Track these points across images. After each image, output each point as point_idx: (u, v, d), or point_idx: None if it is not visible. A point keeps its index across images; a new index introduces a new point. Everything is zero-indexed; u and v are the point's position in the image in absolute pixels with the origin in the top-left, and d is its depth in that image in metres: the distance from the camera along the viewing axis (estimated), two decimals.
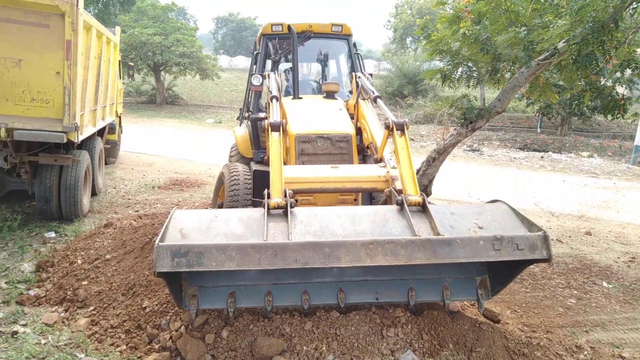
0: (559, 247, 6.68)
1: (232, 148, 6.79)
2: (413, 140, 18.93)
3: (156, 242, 2.77)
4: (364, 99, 5.08)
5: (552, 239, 7.13)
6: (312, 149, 4.53)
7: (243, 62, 45.81)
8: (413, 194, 3.42)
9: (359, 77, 5.36)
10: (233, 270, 2.99)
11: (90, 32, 6.43)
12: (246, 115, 6.63)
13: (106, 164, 10.73)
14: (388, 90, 27.64)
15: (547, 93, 6.58)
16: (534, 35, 5.24)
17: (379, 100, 4.65)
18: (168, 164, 11.97)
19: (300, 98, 5.54)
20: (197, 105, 29.06)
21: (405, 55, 36.41)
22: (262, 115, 5.85)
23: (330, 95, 5.61)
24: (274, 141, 3.73)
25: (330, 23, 6.11)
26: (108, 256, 4.35)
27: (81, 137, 6.37)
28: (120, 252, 4.31)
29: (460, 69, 6.78)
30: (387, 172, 3.95)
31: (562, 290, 5.32)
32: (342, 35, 6.23)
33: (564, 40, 5.27)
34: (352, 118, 5.23)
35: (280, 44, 6.37)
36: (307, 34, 6.08)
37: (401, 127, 3.85)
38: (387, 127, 3.95)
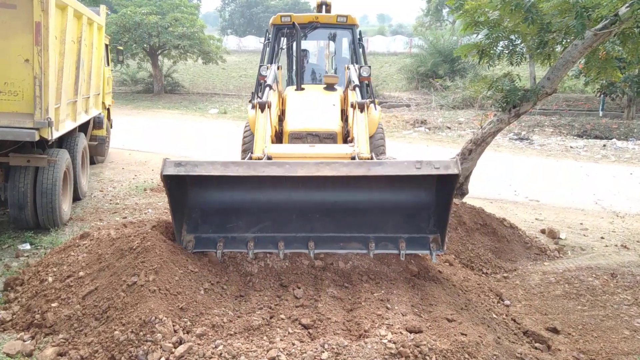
0: (624, 255, 6.37)
1: (245, 127, 8.02)
2: (450, 128, 18.60)
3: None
4: (351, 89, 6.35)
5: (616, 245, 6.84)
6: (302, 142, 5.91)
7: (253, 42, 45.91)
8: (365, 153, 4.99)
9: (349, 68, 6.80)
10: (223, 222, 4.57)
11: (65, 12, 6.41)
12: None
13: (93, 163, 10.82)
14: (420, 70, 27.29)
15: (608, 69, 6.30)
16: None
17: (357, 88, 6.14)
18: None
19: (303, 89, 7.03)
20: (200, 94, 29.24)
21: (441, 29, 35.90)
22: None
23: (329, 87, 6.97)
24: (260, 116, 5.49)
25: (336, 14, 7.67)
26: (81, 273, 4.29)
27: (57, 134, 6.35)
28: (95, 268, 4.25)
29: (500, 43, 6.55)
30: (354, 150, 5.24)
31: (628, 308, 5.04)
32: (346, 25, 7.73)
33: (626, 5, 5.00)
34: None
35: (290, 33, 7.83)
36: (313, 24, 7.58)
37: (361, 106, 5.51)
38: (352, 105, 5.64)
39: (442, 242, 4.51)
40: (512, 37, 6.36)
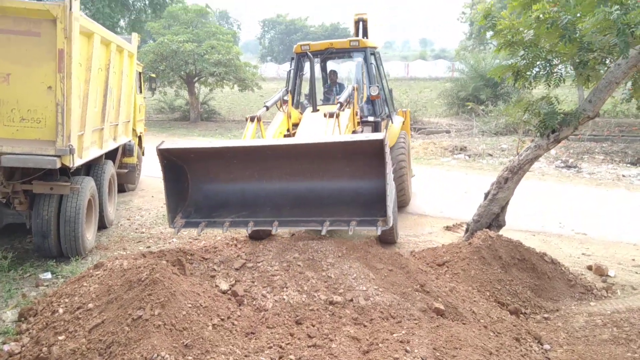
0: None
1: None
2: (491, 155, 18.14)
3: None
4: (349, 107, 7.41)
5: None
6: None
7: None
8: None
9: (354, 88, 7.78)
10: (210, 211, 5.78)
11: (91, 39, 6.58)
12: None
13: (123, 191, 10.99)
14: (461, 95, 26.88)
15: None
16: (631, 15, 4.75)
17: (339, 104, 6.97)
18: None
19: (318, 110, 7.89)
20: (236, 121, 29.67)
21: (484, 52, 35.51)
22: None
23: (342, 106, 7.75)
24: (249, 126, 6.58)
25: (348, 40, 8.66)
26: (91, 305, 4.26)
27: (80, 161, 6.45)
28: (104, 300, 4.21)
29: (538, 64, 6.32)
30: None
31: None
32: (359, 48, 8.57)
33: None
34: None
35: (323, 58, 9.32)
36: (329, 50, 8.68)
37: (331, 115, 6.33)
38: (324, 115, 6.48)
39: (389, 220, 5.23)
40: (550, 57, 6.12)
